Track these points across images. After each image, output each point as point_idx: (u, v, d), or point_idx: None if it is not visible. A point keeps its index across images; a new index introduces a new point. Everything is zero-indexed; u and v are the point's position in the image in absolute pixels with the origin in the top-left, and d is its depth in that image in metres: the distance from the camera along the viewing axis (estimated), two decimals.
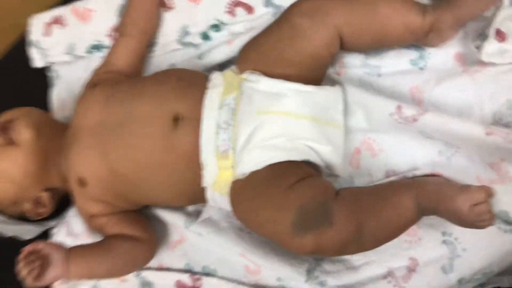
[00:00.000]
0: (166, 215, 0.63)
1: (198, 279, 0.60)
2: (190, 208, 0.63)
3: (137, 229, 0.59)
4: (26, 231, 0.65)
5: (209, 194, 0.54)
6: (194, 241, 0.61)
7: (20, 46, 0.82)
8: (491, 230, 0.47)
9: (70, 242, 0.68)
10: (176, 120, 0.52)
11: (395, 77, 0.54)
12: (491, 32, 0.47)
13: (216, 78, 0.55)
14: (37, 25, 0.76)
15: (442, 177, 0.49)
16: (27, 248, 0.54)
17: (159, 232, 0.63)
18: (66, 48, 0.74)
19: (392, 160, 0.53)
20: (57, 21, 0.75)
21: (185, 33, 0.66)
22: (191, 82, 0.56)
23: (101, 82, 0.62)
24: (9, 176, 0.58)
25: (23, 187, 0.59)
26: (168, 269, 0.62)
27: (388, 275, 0.51)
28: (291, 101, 0.50)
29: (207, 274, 0.60)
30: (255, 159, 0.49)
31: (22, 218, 0.63)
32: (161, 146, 0.53)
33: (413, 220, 0.47)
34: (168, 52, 0.68)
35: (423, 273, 0.50)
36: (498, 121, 0.49)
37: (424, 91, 0.52)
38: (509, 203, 0.47)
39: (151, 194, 0.58)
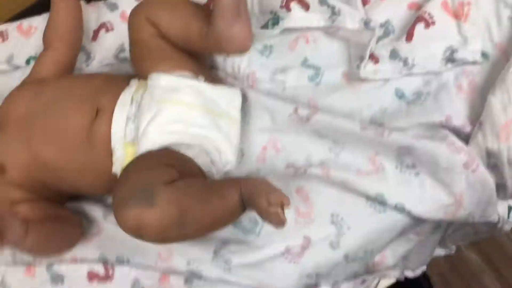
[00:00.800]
0: (85, 207, 0.65)
1: (110, 268, 0.61)
2: (110, 200, 0.66)
3: (64, 211, 0.62)
4: None
5: None
6: (110, 232, 0.63)
7: None
8: (369, 211, 0.56)
9: None
10: (97, 112, 0.59)
11: (296, 90, 0.65)
12: (366, 56, 0.61)
13: (132, 81, 0.63)
14: None
15: (265, 179, 0.54)
16: None
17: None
18: (6, 58, 0.79)
19: (291, 156, 0.61)
20: (0, 35, 0.81)
21: (121, 50, 0.75)
22: (114, 82, 0.63)
23: (28, 81, 0.67)
24: None
25: None
26: (81, 261, 0.63)
27: (285, 252, 0.57)
28: (186, 94, 0.58)
29: (121, 263, 0.62)
30: (151, 140, 0.56)
31: None
32: (80, 133, 0.58)
33: (237, 211, 0.52)
34: (103, 65, 0.75)
35: (315, 249, 0.56)
36: (373, 123, 0.60)
37: (318, 99, 0.63)
38: (382, 188, 0.56)
39: (69, 181, 0.61)
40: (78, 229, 0.61)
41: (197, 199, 0.50)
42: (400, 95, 0.61)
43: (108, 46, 0.76)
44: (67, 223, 0.61)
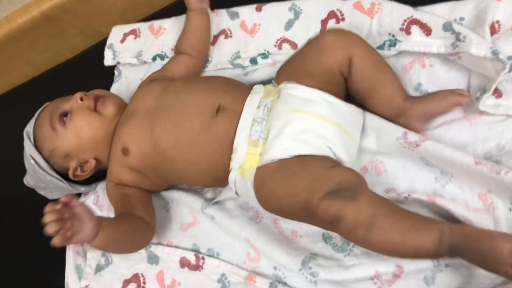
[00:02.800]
0: (186, 197, 0.70)
1: (201, 258, 0.65)
2: (209, 194, 0.71)
3: (149, 213, 0.67)
4: (57, 186, 0.74)
5: (232, 176, 0.61)
6: (205, 224, 0.68)
7: (97, 49, 0.98)
8: None
9: (93, 209, 0.76)
10: (218, 110, 0.62)
11: None
12: (491, 88, 0.57)
13: (258, 87, 0.66)
14: (117, 32, 0.92)
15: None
16: (63, 199, 0.52)
17: (175, 214, 0.71)
18: (136, 53, 0.88)
19: (393, 180, 0.60)
20: (134, 32, 0.91)
21: (237, 56, 0.79)
22: (238, 86, 0.67)
23: (157, 79, 0.74)
24: (81, 132, 0.69)
25: (83, 147, 0.70)
26: (176, 247, 0.68)
27: (375, 277, 0.55)
28: (322, 107, 0.59)
29: (211, 256, 0.65)
30: (284, 147, 0.57)
31: (60, 173, 0.73)
32: (200, 127, 0.61)
33: (430, 251, 0.48)
34: (218, 69, 0.81)
35: (406, 281, 0.54)
36: (488, 160, 0.56)
37: (428, 129, 0.61)
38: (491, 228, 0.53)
39: (182, 171, 0.65)
40: (151, 236, 0.66)
41: (391, 214, 0.50)
42: None
43: (225, 51, 0.81)
44: (139, 229, 0.64)
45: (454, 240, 0.47)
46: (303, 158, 0.56)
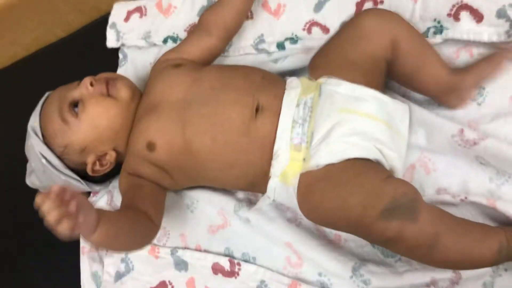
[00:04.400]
0: (215, 197, 0.64)
1: (237, 264, 0.60)
2: (241, 195, 0.65)
3: (156, 210, 0.60)
4: (71, 186, 0.66)
5: (272, 184, 0.56)
6: (238, 227, 0.62)
7: (94, 27, 0.89)
8: None
9: None
10: (257, 109, 0.56)
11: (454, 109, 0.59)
12: None
13: (293, 81, 0.60)
14: (120, 10, 0.83)
15: None
16: (55, 189, 0.41)
17: (202, 216, 0.65)
18: (143, 35, 0.80)
19: (444, 180, 0.56)
20: (139, 10, 0.82)
21: (261, 41, 0.72)
22: (273, 80, 0.61)
23: (185, 64, 0.65)
24: (97, 122, 0.61)
25: (102, 137, 0.62)
26: (206, 251, 0.63)
27: (431, 284, 0.53)
28: (371, 105, 0.54)
29: (246, 261, 0.61)
30: (333, 152, 0.52)
31: (75, 170, 0.65)
32: (239, 129, 0.56)
33: (489, 262, 0.48)
34: (240, 54, 0.74)
35: (465, 287, 0.52)
36: None
37: (480, 123, 0.57)
38: None
39: (214, 173, 0.59)
40: (154, 235, 0.59)
41: (454, 229, 0.48)
42: None
43: (246, 34, 0.74)
44: (141, 226, 0.57)
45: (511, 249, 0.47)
46: (353, 164, 0.51)
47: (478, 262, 0.48)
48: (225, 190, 0.65)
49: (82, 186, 0.67)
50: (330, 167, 0.51)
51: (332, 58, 0.60)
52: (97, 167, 0.64)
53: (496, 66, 0.56)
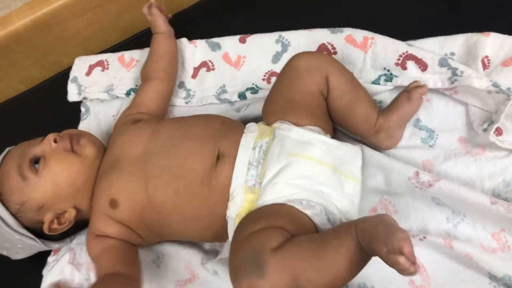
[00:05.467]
0: (181, 251, 0.63)
1: None
2: (207, 246, 0.64)
3: (137, 269, 0.58)
4: (26, 245, 0.64)
5: (230, 226, 0.56)
6: (206, 279, 0.61)
7: (55, 82, 0.89)
8: None
9: (69, 270, 0.66)
10: (218, 157, 0.57)
11: (409, 150, 0.62)
12: (500, 119, 0.56)
13: (252, 125, 0.62)
14: (81, 64, 0.84)
15: (385, 216, 0.46)
16: None
17: (169, 270, 0.64)
18: (105, 88, 0.80)
19: (405, 221, 0.58)
20: (101, 64, 0.83)
21: (223, 91, 0.75)
22: (233, 126, 0.62)
23: (143, 119, 0.67)
24: (58, 178, 0.60)
25: (62, 194, 0.60)
26: None
27: None
28: (318, 149, 0.56)
29: None
30: (277, 193, 0.53)
31: (29, 229, 0.63)
32: (201, 179, 0.56)
33: (357, 260, 0.45)
34: (204, 104, 0.75)
35: None
36: (497, 197, 0.57)
37: (434, 164, 0.60)
38: (510, 269, 0.52)
39: (179, 226, 0.59)
40: None
41: (309, 259, 0.45)
42: None
43: (208, 85, 0.76)
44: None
45: (361, 244, 0.44)
46: (275, 209, 0.52)
47: (349, 270, 0.45)
48: (192, 242, 0.64)
49: (38, 245, 0.64)
50: (263, 208, 0.53)
51: (276, 102, 0.62)
52: (55, 225, 0.62)
53: (414, 103, 0.60)
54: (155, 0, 0.74)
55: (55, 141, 0.62)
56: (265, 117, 0.63)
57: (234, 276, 0.45)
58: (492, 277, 0.53)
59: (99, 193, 0.60)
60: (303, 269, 0.44)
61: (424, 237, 0.56)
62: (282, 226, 0.49)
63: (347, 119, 0.61)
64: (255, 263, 0.44)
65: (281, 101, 0.61)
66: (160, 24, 0.73)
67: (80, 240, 0.67)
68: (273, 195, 0.53)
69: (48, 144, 0.61)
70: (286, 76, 0.61)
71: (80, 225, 0.65)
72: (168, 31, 0.74)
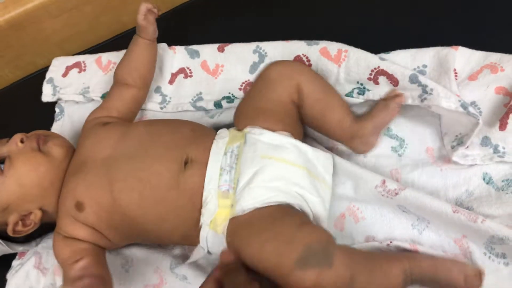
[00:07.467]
0: (151, 255, 0.63)
1: None
2: (177, 251, 0.64)
3: (107, 272, 0.57)
4: None
5: (203, 233, 0.56)
6: (175, 284, 0.61)
7: (29, 82, 0.87)
8: None
9: (35, 274, 0.65)
10: (186, 162, 0.57)
11: (378, 159, 0.64)
12: (467, 142, 0.59)
13: (223, 132, 0.63)
14: (58, 65, 0.83)
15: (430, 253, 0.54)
16: None
17: (137, 275, 0.63)
18: (81, 90, 0.80)
19: (372, 228, 0.60)
20: (78, 65, 0.83)
21: (199, 98, 0.75)
22: (202, 133, 0.63)
23: (113, 121, 0.67)
24: (24, 179, 0.59)
25: (28, 195, 0.59)
26: None
27: None
28: (290, 152, 0.58)
29: None
30: (256, 197, 0.54)
31: None
32: (168, 183, 0.56)
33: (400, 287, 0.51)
34: (179, 111, 0.76)
35: None
36: (460, 206, 0.59)
37: (402, 173, 0.63)
38: None
39: (146, 228, 0.58)
40: None
41: (363, 267, 0.49)
42: (487, 180, 0.60)
43: (185, 92, 0.77)
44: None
45: (414, 276, 0.51)
46: (273, 211, 0.53)
47: None
48: (162, 246, 0.64)
49: (2, 247, 0.63)
50: (254, 212, 0.53)
51: (248, 109, 0.63)
52: (19, 227, 0.60)
53: (391, 112, 0.62)
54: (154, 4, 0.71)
55: (22, 141, 0.61)
56: (236, 123, 0.64)
57: (299, 265, 0.46)
58: None
59: (65, 195, 0.59)
60: (359, 272, 0.48)
61: (391, 242, 0.58)
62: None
63: (321, 125, 0.62)
64: (324, 254, 0.47)
65: (252, 108, 0.62)
66: (150, 31, 0.71)
67: (46, 244, 0.66)
68: (251, 200, 0.53)
69: (14, 144, 0.60)
70: (258, 84, 0.62)
71: (46, 227, 0.64)
72: (153, 39, 0.73)
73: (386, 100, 0.62)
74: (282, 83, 0.60)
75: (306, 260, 0.47)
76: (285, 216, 0.52)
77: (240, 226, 0.53)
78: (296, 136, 0.62)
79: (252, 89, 0.64)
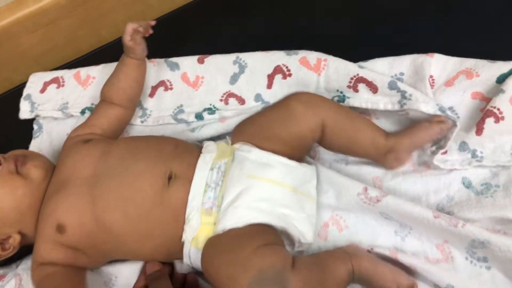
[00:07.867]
0: (135, 272, 0.61)
1: None
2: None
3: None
4: None
5: (186, 249, 0.56)
6: None
7: (6, 99, 0.86)
8: None
9: None
10: (170, 178, 0.57)
11: (360, 166, 0.65)
12: (446, 145, 0.61)
13: (210, 145, 0.62)
14: (36, 81, 0.82)
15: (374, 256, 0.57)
16: None
17: None
18: (60, 106, 0.78)
19: (355, 236, 0.60)
20: (56, 81, 0.82)
21: (180, 111, 0.75)
22: (186, 149, 0.62)
23: (95, 138, 0.65)
24: (1, 202, 0.57)
25: (4, 220, 0.58)
26: None
27: None
28: (277, 171, 0.58)
29: None
30: (238, 217, 0.53)
31: None
32: (152, 200, 0.55)
33: (343, 286, 0.54)
34: (160, 124, 0.75)
35: None
36: (441, 211, 0.60)
37: (383, 181, 0.63)
38: (453, 279, 0.55)
39: (130, 246, 0.57)
40: None
41: (316, 273, 0.51)
42: (467, 184, 0.61)
43: (166, 105, 0.76)
44: None
45: (356, 275, 0.53)
46: (247, 230, 0.53)
47: None
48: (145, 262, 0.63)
49: None
50: (231, 231, 0.53)
51: (260, 129, 0.62)
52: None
53: (430, 135, 0.61)
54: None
55: None
56: (236, 135, 0.63)
57: None
58: (436, 287, 0.55)
59: (45, 218, 0.58)
60: (313, 282, 0.50)
61: (372, 249, 0.58)
62: (279, 243, 0.53)
63: (352, 150, 0.62)
64: (278, 280, 0.47)
65: (265, 131, 0.61)
66: (138, 51, 0.68)
67: (26, 265, 0.64)
68: (234, 219, 0.53)
69: None
70: (279, 113, 0.62)
71: (26, 249, 0.62)
72: (142, 59, 0.70)
73: (430, 122, 0.61)
74: (306, 120, 0.60)
75: (258, 286, 0.47)
76: (253, 237, 0.52)
77: (212, 245, 0.53)
78: (285, 149, 0.61)
79: (270, 113, 0.63)
